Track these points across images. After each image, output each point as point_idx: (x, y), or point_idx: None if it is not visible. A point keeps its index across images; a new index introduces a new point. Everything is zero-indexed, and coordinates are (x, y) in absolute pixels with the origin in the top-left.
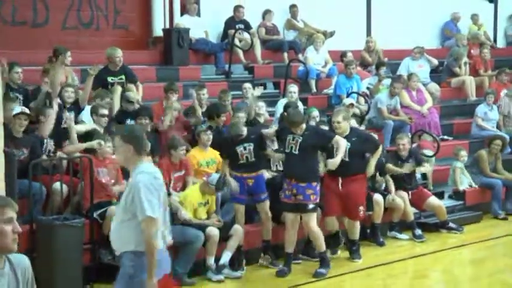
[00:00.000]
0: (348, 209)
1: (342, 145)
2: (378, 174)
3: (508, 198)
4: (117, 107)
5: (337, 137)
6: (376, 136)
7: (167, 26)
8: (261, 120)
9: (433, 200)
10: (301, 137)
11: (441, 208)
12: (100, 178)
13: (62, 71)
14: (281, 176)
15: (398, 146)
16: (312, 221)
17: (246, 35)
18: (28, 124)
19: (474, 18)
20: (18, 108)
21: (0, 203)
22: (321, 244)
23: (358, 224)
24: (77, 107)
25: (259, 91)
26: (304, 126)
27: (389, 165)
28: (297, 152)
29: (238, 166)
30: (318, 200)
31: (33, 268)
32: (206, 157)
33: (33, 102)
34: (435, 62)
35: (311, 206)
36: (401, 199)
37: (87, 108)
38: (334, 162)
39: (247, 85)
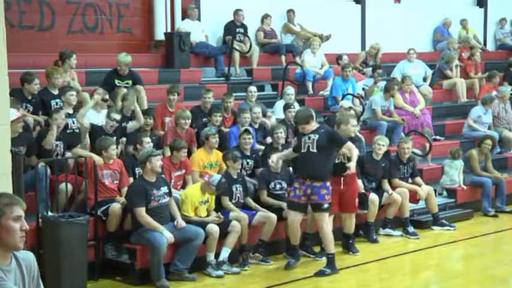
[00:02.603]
0: (347, 203)
1: (355, 154)
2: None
3: (498, 196)
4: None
5: (349, 143)
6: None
7: (169, 30)
8: (257, 124)
9: (425, 187)
10: (317, 135)
11: (432, 196)
12: (103, 180)
13: (66, 74)
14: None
15: (403, 149)
16: (325, 220)
17: (245, 38)
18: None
19: (463, 23)
20: (14, 112)
21: (10, 201)
22: (331, 245)
23: (354, 217)
24: (76, 111)
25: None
26: (313, 125)
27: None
28: (314, 151)
29: None
30: (331, 200)
31: (40, 264)
32: (211, 159)
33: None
34: (429, 72)
35: (326, 205)
36: (399, 195)
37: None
38: (352, 168)
39: (253, 88)
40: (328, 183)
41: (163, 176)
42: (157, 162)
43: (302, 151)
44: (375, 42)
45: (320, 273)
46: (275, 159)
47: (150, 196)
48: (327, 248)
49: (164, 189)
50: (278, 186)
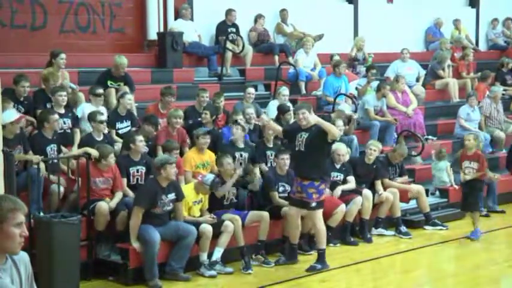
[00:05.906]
0: None
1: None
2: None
3: (489, 195)
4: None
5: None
6: None
7: (161, 30)
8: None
9: (415, 186)
10: (307, 134)
11: (423, 196)
12: (95, 187)
13: (59, 74)
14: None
15: (395, 154)
16: (315, 217)
17: (238, 38)
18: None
19: (456, 23)
20: (14, 113)
21: (14, 207)
22: (322, 241)
23: None
24: (68, 111)
25: None
26: (310, 120)
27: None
28: (303, 149)
29: None
30: (321, 199)
31: (32, 264)
32: (203, 159)
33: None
34: (423, 73)
35: (313, 204)
36: (391, 194)
37: (84, 115)
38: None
39: (251, 90)
40: (317, 183)
41: (175, 180)
42: (172, 170)
43: (296, 149)
44: (358, 37)
45: (311, 269)
46: (267, 118)
47: (158, 201)
48: (318, 244)
49: (171, 195)
50: (281, 188)
